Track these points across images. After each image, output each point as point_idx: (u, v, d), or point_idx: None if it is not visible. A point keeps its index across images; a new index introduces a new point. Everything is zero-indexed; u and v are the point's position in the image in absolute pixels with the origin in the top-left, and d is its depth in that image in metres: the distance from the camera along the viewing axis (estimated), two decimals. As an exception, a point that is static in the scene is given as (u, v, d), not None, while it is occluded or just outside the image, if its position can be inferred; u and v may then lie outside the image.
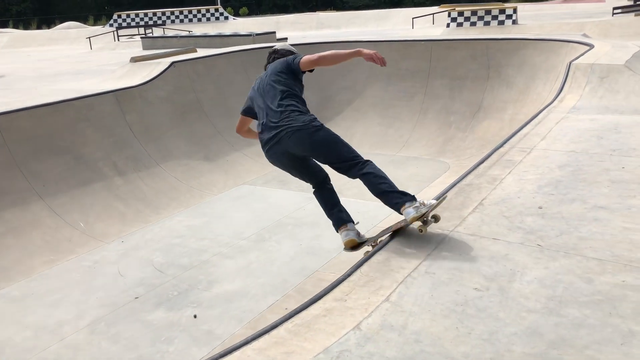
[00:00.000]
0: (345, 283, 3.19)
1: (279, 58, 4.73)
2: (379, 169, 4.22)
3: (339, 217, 4.49)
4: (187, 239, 7.75)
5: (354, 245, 4.34)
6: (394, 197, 4.05)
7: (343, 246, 4.40)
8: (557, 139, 5.71)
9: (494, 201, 4.21)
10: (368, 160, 4.24)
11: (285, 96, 4.31)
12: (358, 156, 4.25)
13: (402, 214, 3.92)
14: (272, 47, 5.04)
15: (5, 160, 8.00)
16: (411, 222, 3.79)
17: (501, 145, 5.59)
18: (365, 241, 4.34)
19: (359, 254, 5.84)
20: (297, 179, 4.81)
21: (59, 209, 7.99)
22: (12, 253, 7.19)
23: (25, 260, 7.14)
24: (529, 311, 2.82)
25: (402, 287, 3.07)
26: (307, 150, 4.28)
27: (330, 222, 4.56)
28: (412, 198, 3.91)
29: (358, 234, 4.44)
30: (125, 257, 7.29)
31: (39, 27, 46.43)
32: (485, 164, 5.08)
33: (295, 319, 2.89)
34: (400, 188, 4.05)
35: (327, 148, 4.22)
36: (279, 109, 4.23)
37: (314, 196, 4.69)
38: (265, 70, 4.72)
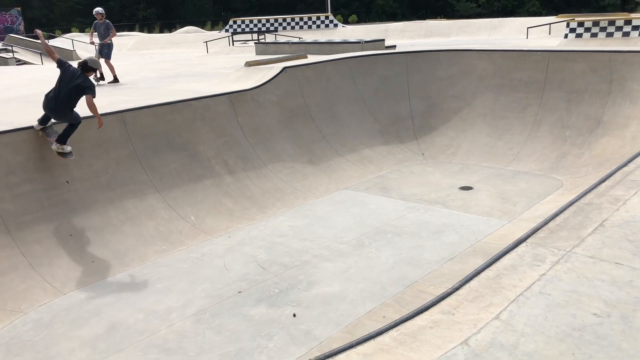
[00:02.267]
0: (452, 296, 3.11)
1: None
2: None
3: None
4: (290, 239, 7.93)
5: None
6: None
7: None
8: (691, 161, 5.25)
9: (617, 223, 3.93)
10: None
11: None
12: None
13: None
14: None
15: (128, 153, 8.60)
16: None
17: (626, 164, 5.23)
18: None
19: (468, 266, 5.69)
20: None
21: (173, 202, 8.47)
22: (129, 240, 7.71)
23: (140, 248, 7.64)
24: (656, 344, 2.61)
25: (513, 306, 2.95)
26: None
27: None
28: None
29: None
30: (231, 252, 7.59)
31: (161, 31, 49.61)
32: (607, 182, 4.77)
33: (401, 328, 2.86)
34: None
35: None
36: None
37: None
38: None
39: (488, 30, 27.64)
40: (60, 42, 32.90)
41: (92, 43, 14.15)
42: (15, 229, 7.02)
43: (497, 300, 3.04)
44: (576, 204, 4.38)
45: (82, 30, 47.32)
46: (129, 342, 5.55)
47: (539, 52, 11.93)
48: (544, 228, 3.92)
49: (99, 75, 14.16)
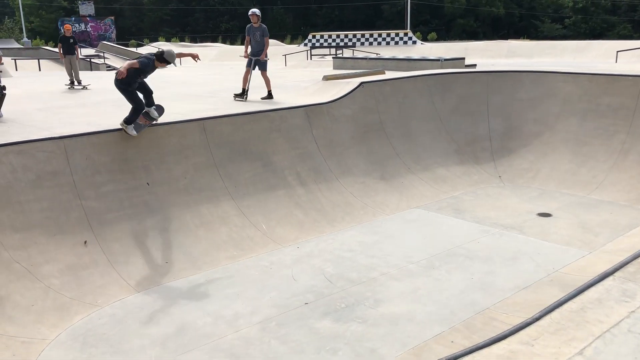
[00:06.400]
0: (532, 327, 2.97)
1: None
2: None
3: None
4: (357, 255, 7.88)
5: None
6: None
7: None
8: None
9: None
10: None
11: None
12: None
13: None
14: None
15: (206, 160, 8.86)
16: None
17: None
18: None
19: (544, 297, 5.45)
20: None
21: (246, 210, 8.63)
22: (202, 244, 7.90)
23: (212, 253, 7.81)
24: None
25: (599, 342, 2.77)
26: None
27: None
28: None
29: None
30: (299, 262, 7.62)
31: (242, 43, 51.10)
32: None
33: (477, 355, 2.75)
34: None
35: None
36: None
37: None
38: None
39: (573, 53, 26.69)
40: (148, 50, 34.56)
41: (247, 56, 11.92)
42: (97, 227, 7.36)
43: (581, 334, 2.87)
44: (670, 239, 4.09)
45: (168, 40, 49.50)
46: (196, 344, 5.66)
47: (630, 77, 11.35)
48: (633, 262, 3.68)
49: (266, 94, 12.03)
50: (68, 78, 16.05)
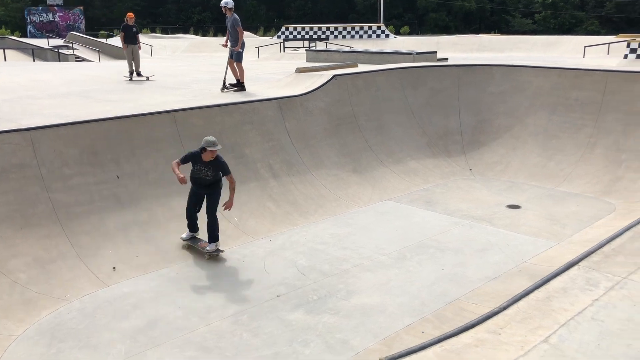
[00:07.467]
0: (499, 316, 3.02)
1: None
2: None
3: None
4: (330, 247, 7.90)
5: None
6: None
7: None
8: None
9: (677, 252, 3.75)
10: None
11: None
12: None
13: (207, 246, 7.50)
14: None
15: (177, 152, 8.72)
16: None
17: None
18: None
19: (513, 287, 5.55)
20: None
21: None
22: (173, 237, 7.82)
23: (184, 245, 7.73)
24: None
25: (563, 330, 2.83)
26: None
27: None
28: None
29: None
30: (272, 255, 7.61)
31: (215, 35, 50.59)
32: (667, 209, 4.56)
33: (445, 344, 2.79)
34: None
35: None
36: None
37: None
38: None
39: (543, 48, 27.10)
40: (118, 41, 33.92)
41: (225, 45, 12.24)
42: (65, 219, 7.23)
43: (547, 323, 2.93)
44: (633, 229, 4.20)
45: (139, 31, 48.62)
46: (167, 338, 5.61)
47: (598, 72, 11.58)
48: (598, 252, 3.77)
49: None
50: (127, 69, 15.19)
